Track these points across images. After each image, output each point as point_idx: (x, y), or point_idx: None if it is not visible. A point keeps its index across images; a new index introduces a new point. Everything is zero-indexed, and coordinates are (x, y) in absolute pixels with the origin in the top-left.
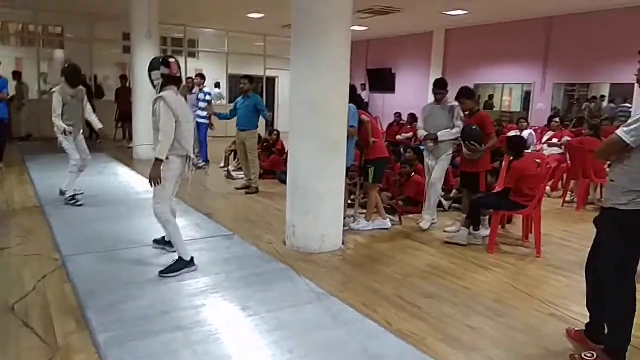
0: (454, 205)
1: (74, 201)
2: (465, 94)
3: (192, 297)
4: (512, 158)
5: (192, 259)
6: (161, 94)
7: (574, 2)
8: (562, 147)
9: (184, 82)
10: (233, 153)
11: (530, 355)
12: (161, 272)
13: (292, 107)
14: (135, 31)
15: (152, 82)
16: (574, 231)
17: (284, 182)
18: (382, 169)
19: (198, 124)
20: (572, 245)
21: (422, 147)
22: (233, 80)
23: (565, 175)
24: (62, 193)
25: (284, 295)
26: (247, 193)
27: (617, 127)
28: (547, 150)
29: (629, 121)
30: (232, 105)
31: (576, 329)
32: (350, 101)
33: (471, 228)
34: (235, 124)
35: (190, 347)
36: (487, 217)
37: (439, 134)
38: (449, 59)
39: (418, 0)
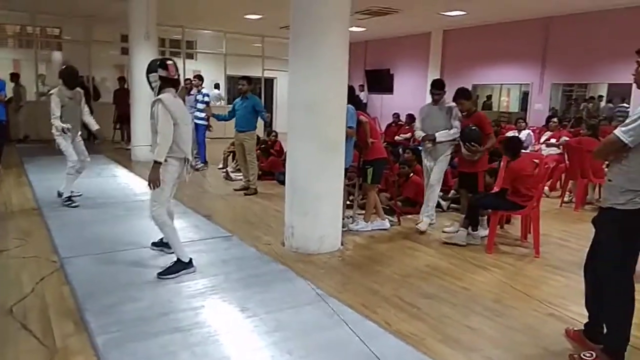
0: (452, 205)
1: (69, 202)
2: (463, 95)
3: (191, 298)
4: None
5: (190, 260)
6: (159, 96)
7: (572, 3)
8: (560, 147)
9: (182, 84)
10: (231, 154)
11: (530, 355)
12: (160, 274)
13: (291, 107)
14: (133, 33)
15: (150, 84)
16: (573, 231)
17: (282, 183)
18: (380, 169)
19: (196, 125)
20: (570, 245)
21: (420, 148)
22: (231, 81)
23: (563, 175)
24: (60, 195)
25: (283, 296)
26: (245, 194)
27: (615, 127)
28: (546, 151)
29: (627, 121)
30: (231, 106)
31: (575, 328)
32: (349, 102)
33: (470, 228)
34: (233, 125)
35: (189, 348)
36: (486, 217)
37: (436, 134)
38: (447, 60)
39: (416, 1)
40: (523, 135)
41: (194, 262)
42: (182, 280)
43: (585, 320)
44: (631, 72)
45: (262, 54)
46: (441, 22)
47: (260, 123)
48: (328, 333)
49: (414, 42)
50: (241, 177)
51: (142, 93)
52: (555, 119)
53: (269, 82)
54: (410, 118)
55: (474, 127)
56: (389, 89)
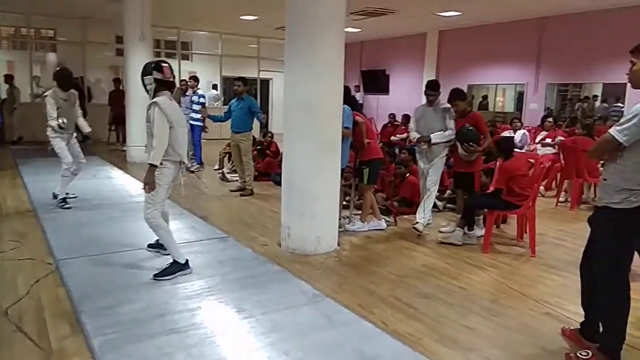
0: (448, 205)
1: (63, 203)
2: (458, 96)
3: (187, 299)
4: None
5: (186, 261)
6: (155, 99)
7: (566, 3)
8: (556, 146)
9: (177, 86)
10: (227, 155)
11: (526, 354)
12: (155, 275)
13: (287, 108)
14: (129, 34)
15: (145, 87)
16: (568, 230)
17: (278, 184)
18: (376, 170)
19: (192, 126)
20: (566, 244)
21: (415, 148)
22: (227, 82)
23: (558, 175)
24: (55, 197)
25: (280, 297)
26: (241, 195)
27: (610, 127)
28: (541, 150)
29: (622, 120)
30: (227, 107)
31: (571, 327)
32: (345, 102)
33: (466, 228)
34: (229, 126)
35: (185, 349)
36: (482, 217)
37: (431, 136)
38: (443, 60)
39: (411, 2)
40: (518, 135)
41: (190, 263)
42: (178, 281)
43: (582, 319)
44: (625, 71)
45: (258, 55)
46: (437, 23)
47: (256, 124)
48: (325, 333)
49: (409, 42)
50: (237, 178)
51: (137, 94)
52: (550, 119)
53: (265, 83)
54: (406, 118)
55: (470, 127)
56: (384, 90)
